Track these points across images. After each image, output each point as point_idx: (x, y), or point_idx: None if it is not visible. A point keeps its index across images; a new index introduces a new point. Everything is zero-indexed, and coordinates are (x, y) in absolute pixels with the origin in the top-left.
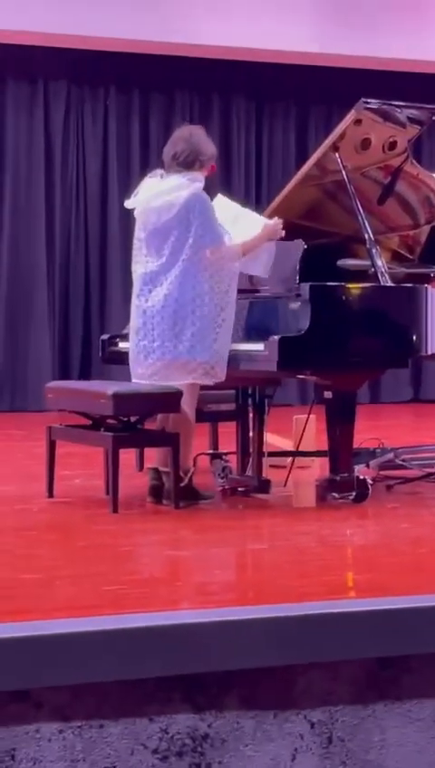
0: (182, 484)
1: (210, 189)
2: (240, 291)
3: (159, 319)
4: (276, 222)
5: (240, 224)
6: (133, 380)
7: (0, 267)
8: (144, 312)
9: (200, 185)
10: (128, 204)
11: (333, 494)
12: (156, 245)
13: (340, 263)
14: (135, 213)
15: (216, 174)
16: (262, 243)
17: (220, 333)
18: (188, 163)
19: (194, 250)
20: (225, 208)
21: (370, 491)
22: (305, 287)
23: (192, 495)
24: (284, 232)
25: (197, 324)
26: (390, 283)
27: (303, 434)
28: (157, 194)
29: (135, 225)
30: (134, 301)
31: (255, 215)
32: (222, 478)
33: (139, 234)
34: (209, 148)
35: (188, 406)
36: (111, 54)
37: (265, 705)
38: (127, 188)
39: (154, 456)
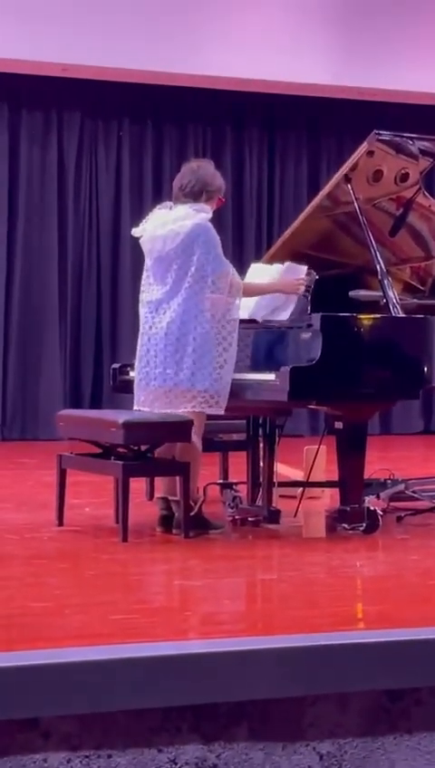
0: (192, 513)
1: (223, 221)
2: (250, 321)
3: (161, 346)
4: (298, 281)
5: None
6: (135, 407)
7: (12, 296)
8: (148, 340)
9: (206, 216)
10: (135, 232)
11: (344, 524)
12: (160, 273)
13: (352, 293)
14: (141, 241)
15: (224, 205)
16: (273, 291)
17: (221, 363)
18: (194, 194)
19: (196, 278)
20: (261, 273)
21: (380, 522)
22: (317, 317)
23: (202, 525)
24: (303, 289)
25: (197, 352)
26: (401, 314)
27: (313, 464)
28: (163, 223)
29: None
30: (141, 328)
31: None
32: (232, 508)
33: (146, 262)
34: (216, 180)
35: (195, 434)
36: (125, 86)
37: (274, 737)
38: (139, 220)
39: (161, 485)
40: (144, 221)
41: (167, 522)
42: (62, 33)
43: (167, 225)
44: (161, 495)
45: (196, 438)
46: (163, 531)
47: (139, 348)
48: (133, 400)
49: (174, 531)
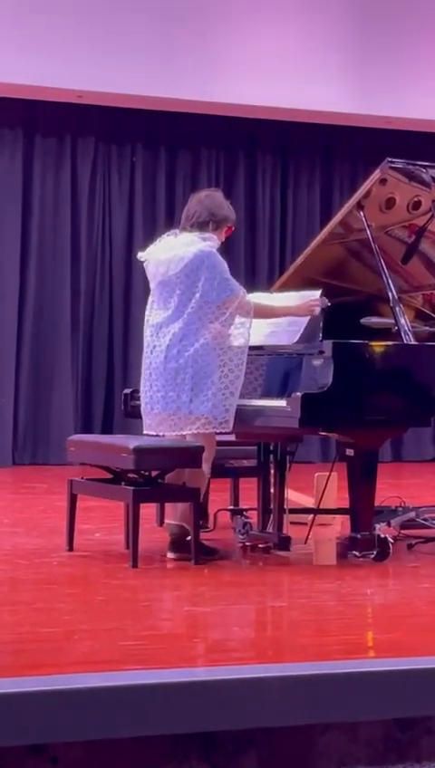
0: (188, 538)
1: (235, 248)
2: (262, 347)
3: (161, 369)
4: (312, 303)
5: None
6: (145, 432)
7: (25, 320)
8: (150, 363)
9: (213, 244)
10: (140, 255)
11: (354, 552)
12: (164, 297)
13: (363, 320)
14: (145, 265)
15: (233, 233)
16: (285, 314)
17: (221, 387)
18: (200, 224)
19: (199, 304)
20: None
21: (391, 550)
22: (329, 344)
23: (201, 551)
24: (318, 310)
25: (197, 376)
26: (413, 342)
27: (324, 491)
28: (168, 248)
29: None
30: (144, 352)
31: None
32: (243, 534)
33: (151, 285)
34: (223, 210)
35: (204, 461)
36: (139, 112)
37: (283, 765)
38: (148, 247)
39: (171, 510)
40: (151, 246)
41: (177, 546)
42: (76, 59)
43: (171, 251)
44: (173, 521)
45: (205, 465)
46: (175, 557)
47: (142, 371)
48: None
49: (168, 554)
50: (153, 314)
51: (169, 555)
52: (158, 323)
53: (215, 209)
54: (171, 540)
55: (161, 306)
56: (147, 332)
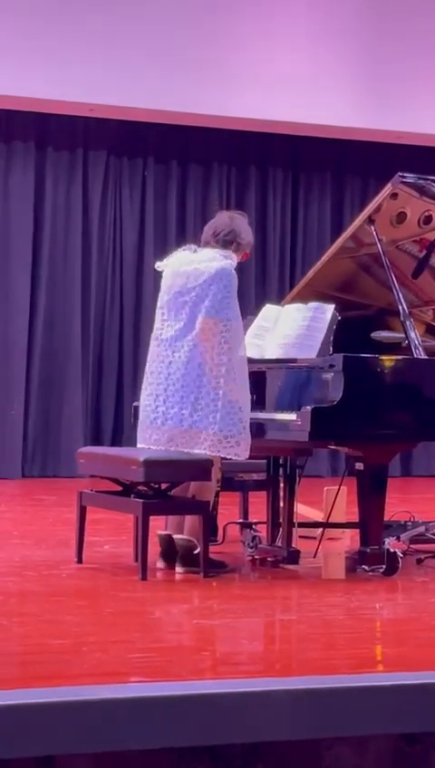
0: (196, 552)
1: (246, 262)
2: (273, 360)
3: (178, 386)
4: None
5: (281, 321)
6: (141, 445)
7: (35, 333)
8: (166, 378)
9: (233, 263)
10: (159, 265)
11: (363, 566)
12: (176, 309)
13: (374, 335)
14: (163, 274)
15: (248, 259)
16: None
17: (221, 408)
18: (226, 242)
19: (204, 318)
20: (274, 314)
21: (400, 564)
22: (339, 358)
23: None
24: None
25: (201, 395)
26: (423, 356)
27: (333, 505)
28: (189, 261)
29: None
30: (155, 366)
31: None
32: (251, 548)
33: (162, 297)
34: (248, 234)
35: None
36: (150, 125)
37: None
38: (163, 256)
39: (167, 522)
40: (169, 257)
41: (169, 557)
42: (89, 73)
43: (192, 264)
44: (165, 533)
45: (212, 479)
46: (166, 566)
47: (151, 385)
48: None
49: (176, 568)
50: (166, 328)
51: (178, 569)
52: (172, 337)
53: (242, 232)
54: (179, 554)
55: (172, 317)
56: (160, 347)
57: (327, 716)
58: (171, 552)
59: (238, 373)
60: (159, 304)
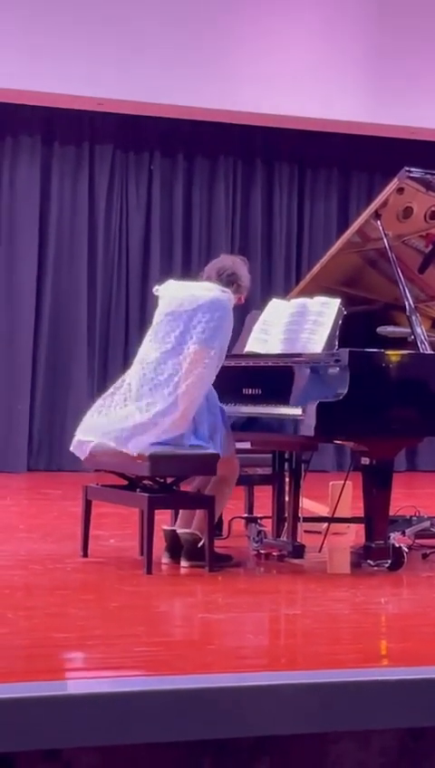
0: (200, 545)
1: (252, 256)
2: (278, 355)
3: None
4: None
5: (286, 316)
6: (82, 437)
7: (41, 327)
8: (150, 398)
9: (230, 297)
10: (156, 289)
11: (368, 561)
12: (165, 332)
13: (379, 329)
14: (160, 295)
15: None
16: None
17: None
18: (227, 282)
19: (195, 347)
20: (280, 309)
21: (405, 559)
22: (345, 353)
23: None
24: None
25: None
26: (429, 351)
27: (339, 500)
28: (186, 287)
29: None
30: (139, 386)
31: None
32: (257, 542)
33: (154, 320)
34: (248, 280)
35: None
36: (157, 120)
37: None
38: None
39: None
40: (169, 281)
41: (174, 552)
42: (96, 67)
43: (189, 290)
44: (170, 528)
45: (227, 487)
46: (171, 561)
47: (126, 401)
48: None
49: (181, 562)
50: (151, 351)
51: (183, 563)
52: (156, 359)
53: (243, 276)
54: (184, 548)
55: (159, 340)
56: (144, 369)
57: (332, 711)
58: (176, 546)
59: (197, 390)
60: (150, 329)
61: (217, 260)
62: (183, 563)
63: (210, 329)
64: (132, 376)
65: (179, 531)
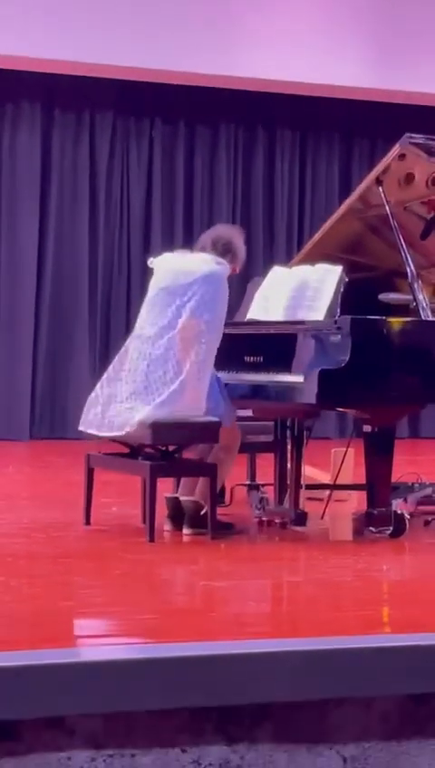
0: (202, 512)
1: (253, 223)
2: (280, 322)
3: (152, 384)
4: None
5: (288, 283)
6: (90, 430)
7: (43, 296)
8: (145, 376)
9: (225, 269)
10: (150, 261)
11: (371, 528)
12: (161, 306)
13: (381, 296)
14: (154, 269)
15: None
16: None
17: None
18: (222, 252)
19: (187, 318)
20: (282, 278)
21: (407, 526)
22: (346, 320)
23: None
24: None
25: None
26: (431, 318)
27: (341, 467)
28: (181, 261)
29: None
30: (133, 363)
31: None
32: (259, 510)
33: (148, 293)
34: (242, 251)
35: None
36: (157, 86)
37: (298, 739)
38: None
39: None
40: (163, 254)
41: (176, 520)
42: (94, 33)
43: (184, 264)
44: (172, 495)
45: (229, 455)
46: (173, 528)
47: (124, 381)
48: None
49: (184, 530)
50: (147, 326)
51: (185, 531)
52: (155, 334)
53: (239, 247)
54: (186, 515)
55: (156, 314)
56: (143, 343)
57: (335, 677)
58: (179, 514)
59: (204, 374)
60: (145, 301)
61: (213, 229)
62: (185, 531)
63: (204, 302)
64: (132, 352)
65: (182, 498)
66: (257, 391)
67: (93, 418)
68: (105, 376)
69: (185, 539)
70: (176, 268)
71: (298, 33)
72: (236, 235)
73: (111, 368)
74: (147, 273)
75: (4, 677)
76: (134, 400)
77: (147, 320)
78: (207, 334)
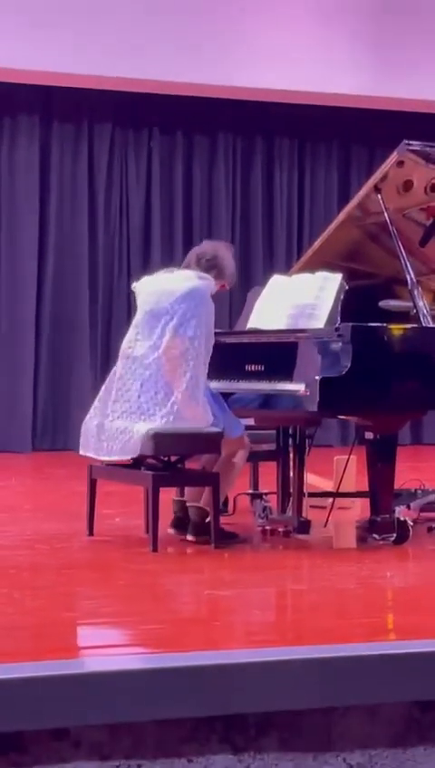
0: (208, 520)
1: (253, 233)
2: (279, 331)
3: (145, 403)
4: None
5: (288, 292)
6: (90, 454)
7: (44, 307)
8: (138, 396)
9: (208, 284)
10: (133, 286)
11: (374, 535)
12: (149, 328)
13: (382, 303)
14: (136, 292)
15: (225, 291)
16: None
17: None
18: (207, 267)
19: (171, 336)
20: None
21: (410, 532)
22: (347, 328)
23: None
24: None
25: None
26: (432, 324)
27: (343, 474)
28: (164, 280)
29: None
30: (125, 383)
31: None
32: (262, 518)
33: (136, 316)
34: (231, 265)
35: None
36: (156, 96)
37: (304, 747)
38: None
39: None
40: (145, 278)
41: (180, 525)
42: (92, 45)
43: (167, 284)
44: (179, 498)
45: (238, 461)
46: (176, 533)
47: (118, 402)
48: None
49: (188, 536)
50: (137, 347)
51: (189, 537)
52: (142, 355)
53: (225, 261)
54: (191, 522)
55: (145, 336)
56: (133, 363)
57: (340, 685)
58: (183, 520)
59: (196, 391)
60: (133, 323)
61: (198, 246)
62: (189, 538)
63: (185, 319)
64: (122, 372)
65: (189, 504)
66: (259, 400)
67: (91, 442)
68: (97, 399)
69: (188, 551)
70: (158, 290)
71: (296, 42)
72: (221, 250)
73: (102, 391)
74: None
75: (10, 689)
76: (126, 419)
77: (134, 339)
78: (193, 351)
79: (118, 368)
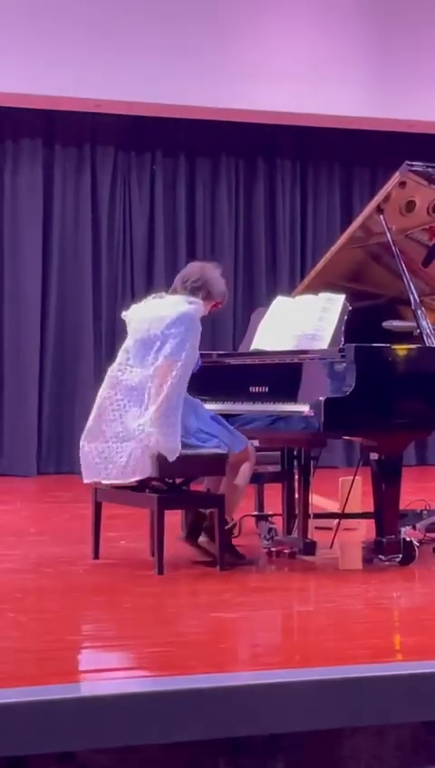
0: (226, 527)
1: (256, 254)
2: (283, 352)
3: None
4: None
5: (292, 313)
6: (94, 480)
7: (47, 330)
8: (121, 425)
9: (197, 308)
10: (124, 315)
11: (380, 556)
12: (141, 355)
13: (385, 324)
14: (127, 320)
15: (219, 309)
16: None
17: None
18: (194, 289)
19: (161, 362)
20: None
21: (416, 553)
22: (351, 348)
23: (232, 554)
24: None
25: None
26: None
27: (348, 495)
28: (153, 307)
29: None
30: (110, 414)
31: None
32: (268, 540)
33: (127, 342)
34: (220, 284)
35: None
36: (158, 120)
37: None
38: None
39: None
40: (135, 306)
41: (193, 532)
42: (94, 69)
43: (156, 310)
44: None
45: (242, 479)
46: (187, 540)
47: (105, 434)
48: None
49: (201, 539)
50: (128, 371)
51: (201, 540)
52: (134, 385)
53: (212, 280)
54: (207, 522)
55: (137, 364)
56: (118, 393)
57: (347, 706)
58: (196, 525)
59: (169, 410)
60: (123, 347)
61: (184, 269)
62: (201, 540)
63: (175, 344)
64: (106, 402)
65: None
66: (264, 422)
67: (93, 467)
68: (91, 421)
69: (194, 571)
70: (148, 317)
71: (298, 63)
72: (207, 271)
73: (94, 414)
74: None
75: (16, 713)
76: (124, 441)
77: (124, 363)
78: (176, 372)
79: (108, 392)
